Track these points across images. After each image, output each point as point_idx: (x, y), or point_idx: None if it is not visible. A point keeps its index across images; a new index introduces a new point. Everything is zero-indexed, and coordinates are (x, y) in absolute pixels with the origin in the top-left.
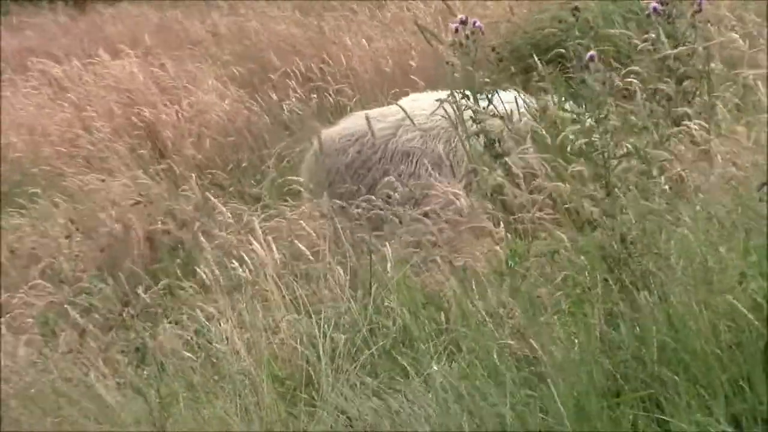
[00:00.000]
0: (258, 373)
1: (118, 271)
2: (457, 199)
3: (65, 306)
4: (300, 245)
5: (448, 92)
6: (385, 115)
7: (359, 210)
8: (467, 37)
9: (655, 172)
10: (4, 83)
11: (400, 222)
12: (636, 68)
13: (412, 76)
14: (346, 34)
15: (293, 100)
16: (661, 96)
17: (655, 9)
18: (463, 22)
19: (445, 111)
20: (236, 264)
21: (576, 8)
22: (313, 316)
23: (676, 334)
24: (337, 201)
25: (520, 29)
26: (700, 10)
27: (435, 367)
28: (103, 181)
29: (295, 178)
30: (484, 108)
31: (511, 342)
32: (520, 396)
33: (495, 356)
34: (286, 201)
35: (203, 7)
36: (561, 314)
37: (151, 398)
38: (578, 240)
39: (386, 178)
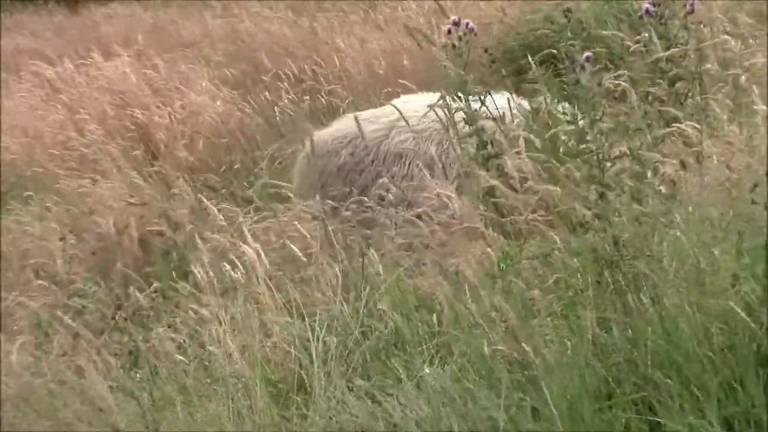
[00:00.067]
0: (251, 376)
1: (112, 273)
2: (450, 201)
3: (59, 309)
4: (293, 247)
5: (440, 94)
6: (377, 117)
7: (349, 212)
8: (460, 38)
9: (648, 174)
10: None
11: (393, 224)
12: (625, 72)
13: (402, 81)
14: (339, 36)
15: (286, 101)
16: (653, 98)
17: (647, 10)
18: (456, 24)
19: (437, 114)
20: (228, 267)
21: (568, 9)
22: (306, 318)
23: (668, 336)
24: (329, 202)
25: (513, 30)
26: (693, 12)
27: (427, 370)
28: (95, 182)
29: (283, 184)
30: (476, 110)
31: (503, 348)
32: (512, 399)
33: (487, 359)
34: (278, 203)
35: (196, 7)
36: (553, 317)
37: (144, 401)
38: (571, 242)
39: (380, 180)
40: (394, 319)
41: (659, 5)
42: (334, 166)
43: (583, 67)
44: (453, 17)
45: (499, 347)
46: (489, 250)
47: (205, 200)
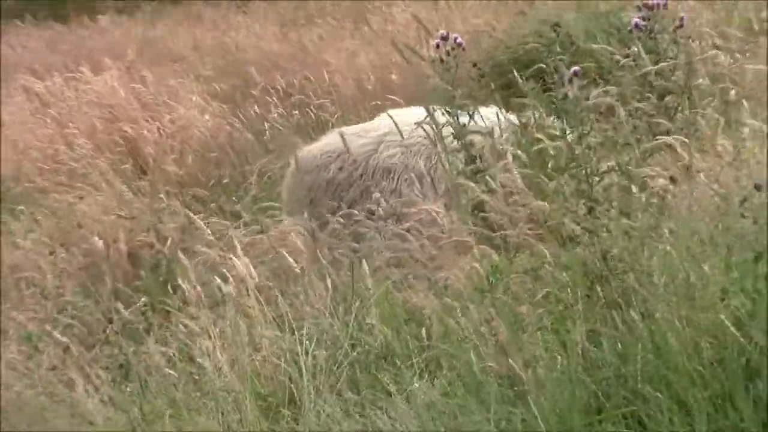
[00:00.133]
0: (241, 389)
1: (101, 287)
2: (438, 216)
3: (48, 322)
4: (288, 258)
5: (429, 108)
6: (366, 131)
7: (337, 225)
8: (448, 53)
9: (636, 189)
10: None
11: (382, 237)
12: (613, 87)
13: (391, 96)
14: (328, 50)
15: (275, 115)
16: (642, 112)
17: (636, 24)
18: (444, 38)
19: (424, 130)
20: (218, 280)
21: (557, 24)
22: (295, 332)
23: (658, 350)
24: (316, 219)
25: (502, 44)
26: (682, 26)
27: (417, 384)
28: (83, 197)
29: (272, 203)
30: (464, 124)
31: (492, 364)
32: (502, 413)
33: (477, 373)
34: (266, 217)
35: (186, 22)
36: (543, 331)
37: (135, 414)
38: (560, 256)
39: (374, 195)
40: (384, 332)
41: (649, 19)
42: (323, 180)
43: (570, 82)
44: (441, 31)
45: (489, 362)
46: (476, 264)
47: (192, 215)
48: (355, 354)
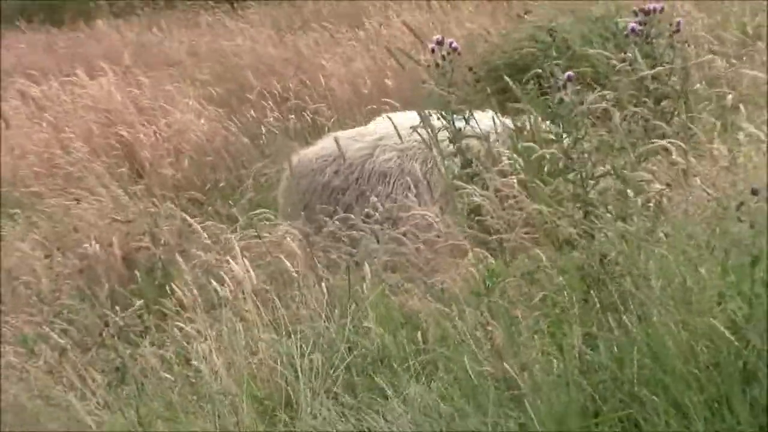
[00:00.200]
0: (237, 392)
1: (97, 290)
2: (434, 221)
3: (45, 325)
4: (285, 261)
5: (423, 113)
6: (362, 135)
7: (333, 228)
8: (443, 57)
9: (632, 193)
10: None
11: (378, 241)
12: (609, 91)
13: (387, 99)
14: (324, 54)
15: (271, 119)
16: (638, 117)
17: (633, 29)
18: (439, 43)
19: (419, 134)
20: (215, 283)
21: (553, 28)
22: (292, 335)
23: (654, 354)
24: (312, 222)
25: (498, 49)
26: (679, 30)
27: (413, 388)
28: (77, 202)
29: (265, 210)
30: (460, 129)
31: (489, 368)
32: (498, 417)
33: (473, 377)
34: (262, 221)
35: (182, 26)
36: (540, 334)
37: (131, 418)
38: (557, 260)
39: (371, 199)
40: (381, 336)
41: (645, 24)
42: (319, 184)
43: (564, 87)
44: (436, 36)
45: (485, 366)
46: (472, 269)
47: (188, 218)
48: (351, 357)
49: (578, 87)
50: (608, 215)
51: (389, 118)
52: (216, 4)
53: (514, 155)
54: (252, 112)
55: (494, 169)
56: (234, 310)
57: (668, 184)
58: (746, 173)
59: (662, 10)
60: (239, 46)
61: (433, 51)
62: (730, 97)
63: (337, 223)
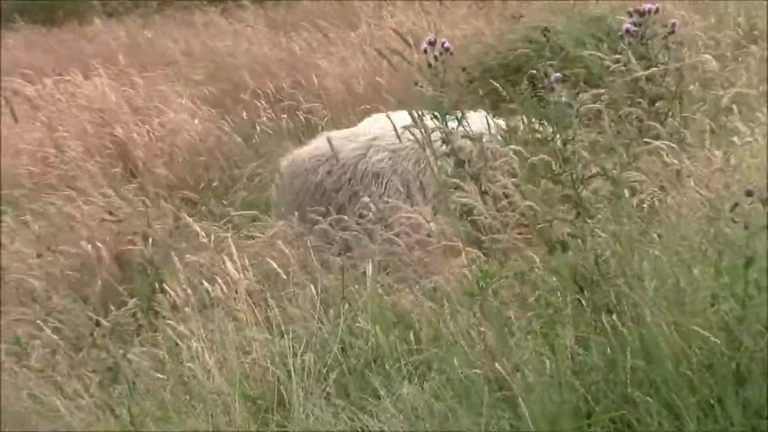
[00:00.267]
0: (229, 392)
1: (89, 289)
2: (426, 222)
3: (37, 325)
4: (273, 264)
5: (415, 113)
6: (356, 135)
7: (326, 227)
8: (436, 58)
9: (625, 194)
10: None
11: (371, 241)
12: (603, 92)
13: (381, 100)
14: (318, 54)
15: (264, 119)
16: (632, 117)
17: (627, 30)
18: (432, 43)
19: (412, 134)
20: (206, 284)
21: (546, 29)
22: (284, 335)
23: (647, 355)
24: (305, 222)
25: (492, 49)
26: (674, 32)
27: (406, 388)
28: (73, 199)
29: (256, 212)
30: (453, 129)
31: (481, 368)
32: (491, 417)
33: (466, 377)
34: (255, 221)
35: (176, 26)
36: (533, 335)
37: (123, 417)
38: (550, 260)
39: (363, 199)
40: (374, 336)
41: (640, 25)
42: (312, 183)
43: (553, 88)
44: (429, 37)
45: (478, 366)
46: (465, 270)
47: (186, 216)
48: (344, 357)
49: (572, 88)
50: (600, 216)
51: (388, 117)
52: (210, 3)
53: (511, 153)
54: (245, 112)
55: (488, 169)
56: (227, 310)
57: (662, 186)
58: (740, 174)
59: (657, 10)
60: (233, 46)
61: (425, 51)
62: (725, 98)
63: (329, 223)
